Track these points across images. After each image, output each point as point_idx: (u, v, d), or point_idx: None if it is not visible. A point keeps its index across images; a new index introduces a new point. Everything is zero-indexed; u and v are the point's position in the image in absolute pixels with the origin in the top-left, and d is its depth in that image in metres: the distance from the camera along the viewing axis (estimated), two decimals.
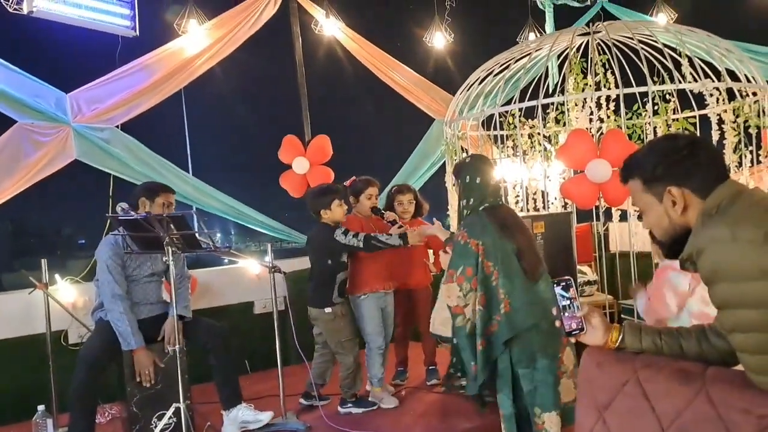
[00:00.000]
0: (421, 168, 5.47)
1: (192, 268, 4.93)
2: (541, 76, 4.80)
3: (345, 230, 3.51)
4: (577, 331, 1.76)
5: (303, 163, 4.95)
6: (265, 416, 3.43)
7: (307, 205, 3.71)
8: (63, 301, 4.10)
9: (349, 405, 3.65)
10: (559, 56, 5.26)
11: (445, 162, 5.12)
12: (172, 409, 3.09)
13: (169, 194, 3.38)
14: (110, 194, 4.37)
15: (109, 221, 3.71)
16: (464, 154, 4.78)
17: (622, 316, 4.42)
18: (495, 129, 4.75)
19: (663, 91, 4.29)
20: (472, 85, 4.50)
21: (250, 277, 4.90)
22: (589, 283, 5.22)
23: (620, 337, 1.75)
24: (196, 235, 2.99)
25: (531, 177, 4.78)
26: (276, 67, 6.10)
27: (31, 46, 4.80)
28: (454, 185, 3.10)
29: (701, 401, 1.52)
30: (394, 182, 5.33)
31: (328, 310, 3.57)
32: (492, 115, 4.60)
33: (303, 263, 5.30)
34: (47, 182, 4.36)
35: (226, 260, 4.54)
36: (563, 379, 2.81)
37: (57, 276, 4.31)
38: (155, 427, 3.22)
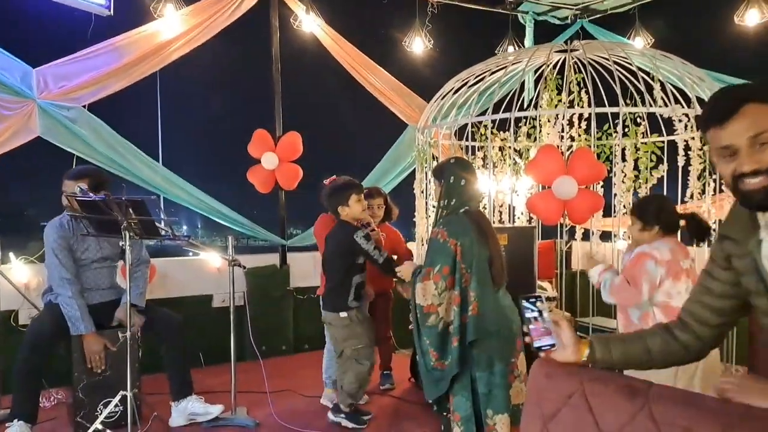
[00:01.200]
0: (391, 172, 5.45)
1: (154, 256, 4.85)
2: (516, 90, 4.85)
3: (368, 235, 3.30)
4: (548, 347, 1.77)
5: (272, 159, 4.90)
6: (215, 409, 3.38)
7: (324, 203, 3.52)
8: (15, 281, 4.00)
9: (342, 415, 3.44)
10: (535, 72, 5.31)
11: (415, 168, 5.12)
12: (118, 397, 3.02)
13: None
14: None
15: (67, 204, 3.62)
16: (434, 163, 4.78)
17: (578, 333, 4.45)
18: (467, 140, 4.78)
19: (634, 113, 4.37)
20: (446, 94, 4.51)
21: (211, 270, 4.84)
22: (548, 299, 5.27)
23: (588, 352, 1.74)
24: (156, 222, 2.93)
25: (498, 190, 4.80)
26: (252, 59, 6.04)
27: (1, 18, 4.67)
28: (435, 185, 3.09)
29: (644, 417, 1.53)
30: (364, 185, 5.31)
31: (343, 314, 3.32)
32: (465, 125, 4.62)
33: (266, 260, 5.28)
34: (11, 159, 4.25)
35: (191, 253, 4.45)
36: (515, 383, 2.92)
37: (11, 255, 4.19)
38: (100, 413, 3.15)
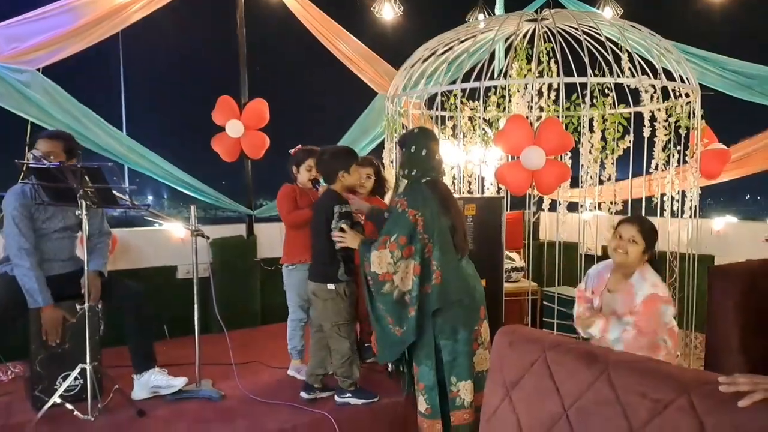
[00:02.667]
0: (360, 142, 5.38)
1: (117, 227, 4.74)
2: (485, 59, 4.80)
3: (345, 214, 3.14)
4: None
5: (237, 127, 4.79)
6: (179, 382, 3.33)
7: (320, 166, 3.34)
8: None
9: (348, 395, 3.29)
10: (506, 41, 5.26)
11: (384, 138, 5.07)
12: (77, 370, 2.95)
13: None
14: (26, 142, 4.10)
15: (23, 170, 3.49)
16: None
17: (544, 303, 4.51)
18: (437, 109, 4.73)
19: (602, 84, 4.37)
20: (415, 63, 4.44)
21: (175, 240, 4.75)
22: (516, 269, 5.31)
23: None
24: (113, 190, 2.83)
25: (468, 160, 4.78)
26: (217, 24, 5.86)
27: None
28: (398, 154, 3.07)
29: (602, 384, 1.54)
30: None
31: (330, 286, 3.19)
32: (435, 95, 4.57)
33: (233, 230, 5.20)
34: None
35: (156, 224, 4.33)
36: (479, 350, 2.97)
37: None
38: (59, 387, 3.07)
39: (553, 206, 5.17)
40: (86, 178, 2.69)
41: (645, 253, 2.73)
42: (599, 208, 4.96)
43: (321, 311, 3.26)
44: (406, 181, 2.97)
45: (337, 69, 5.31)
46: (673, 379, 1.43)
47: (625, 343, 2.58)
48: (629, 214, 2.94)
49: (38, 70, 4.21)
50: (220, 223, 5.32)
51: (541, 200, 5.42)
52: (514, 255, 5.44)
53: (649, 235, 2.74)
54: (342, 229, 3.07)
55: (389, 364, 3.52)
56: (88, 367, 2.84)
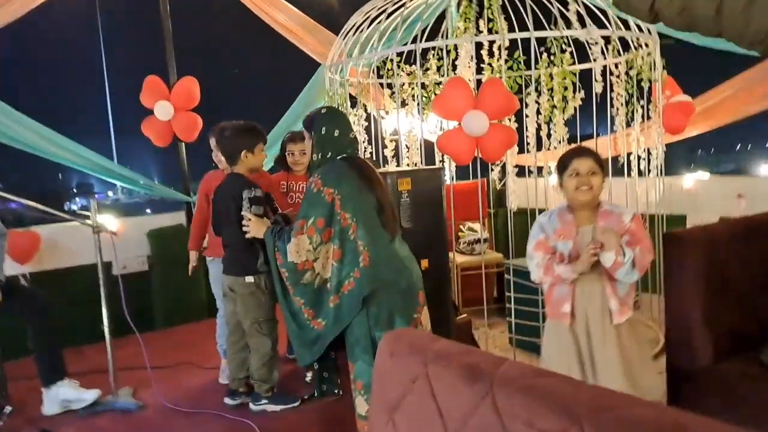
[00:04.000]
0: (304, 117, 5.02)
1: (40, 224, 4.40)
2: (429, 24, 4.45)
3: (255, 199, 2.84)
4: None
5: (166, 108, 4.43)
6: (90, 395, 3.04)
7: (221, 144, 3.04)
8: None
9: (264, 401, 3.02)
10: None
11: None
12: None
13: None
14: None
15: None
16: (349, 104, 4.40)
17: (506, 276, 4.21)
18: (379, 77, 4.38)
19: (559, 40, 4.02)
20: (348, 31, 4.07)
21: (105, 235, 4.41)
22: (479, 241, 5.01)
23: None
24: None
25: (409, 129, 4.45)
26: None
27: None
28: (307, 138, 2.73)
29: (487, 407, 1.23)
30: (274, 133, 4.89)
31: (249, 279, 2.91)
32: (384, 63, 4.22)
33: (172, 219, 4.87)
34: None
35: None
36: None
37: None
38: None
39: (521, 172, 4.86)
40: None
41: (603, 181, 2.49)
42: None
43: (240, 307, 2.96)
44: (318, 164, 2.66)
45: (275, 40, 4.93)
46: (565, 405, 1.13)
47: (639, 266, 2.34)
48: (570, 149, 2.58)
49: None
50: (157, 209, 4.98)
51: (504, 166, 5.10)
52: (476, 226, 5.14)
53: (602, 162, 2.48)
54: (248, 218, 2.77)
55: (307, 371, 3.24)
56: None
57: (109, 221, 3.71)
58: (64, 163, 4.27)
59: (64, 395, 3.01)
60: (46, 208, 2.87)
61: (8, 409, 2.78)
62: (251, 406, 3.04)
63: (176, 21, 4.59)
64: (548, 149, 4.16)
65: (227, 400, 3.08)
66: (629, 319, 2.44)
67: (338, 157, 2.62)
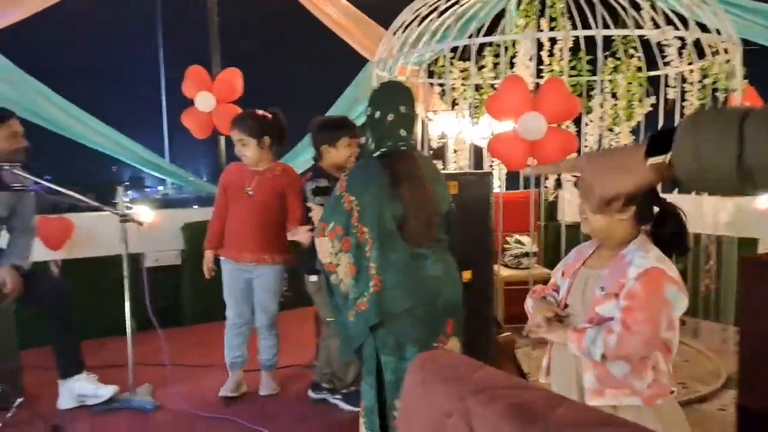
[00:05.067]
0: (349, 115, 4.81)
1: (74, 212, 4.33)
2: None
3: (318, 189, 2.82)
4: None
5: (208, 100, 4.31)
6: (106, 391, 2.89)
7: (311, 138, 3.03)
8: None
9: (338, 397, 2.98)
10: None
11: None
12: None
13: (11, 122, 2.75)
14: None
15: None
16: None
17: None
18: (430, 76, 4.16)
19: (626, 41, 3.72)
20: (398, 28, 3.85)
21: (138, 225, 4.30)
22: (526, 254, 4.71)
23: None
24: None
25: (458, 131, 4.20)
26: None
27: None
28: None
29: None
30: None
31: (312, 278, 2.87)
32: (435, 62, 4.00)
33: (206, 214, 4.73)
34: None
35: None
36: None
37: None
38: None
39: (578, 184, 4.54)
40: None
41: (625, 210, 1.70)
42: None
43: (317, 306, 3.01)
44: (360, 155, 2.42)
45: (323, 34, 4.76)
46: None
47: (617, 351, 1.64)
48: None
49: None
50: (186, 204, 4.88)
51: (559, 176, 4.79)
52: (524, 239, 4.85)
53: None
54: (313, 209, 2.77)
55: None
56: None
57: (144, 212, 3.59)
58: (105, 151, 4.22)
59: (80, 389, 2.88)
60: (70, 192, 2.74)
61: (18, 400, 2.64)
62: (330, 399, 3.01)
63: (224, 10, 4.48)
64: None
65: (310, 393, 3.06)
66: (643, 409, 1.69)
67: (375, 153, 2.29)
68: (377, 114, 2.29)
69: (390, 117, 2.28)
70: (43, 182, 2.60)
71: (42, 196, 2.93)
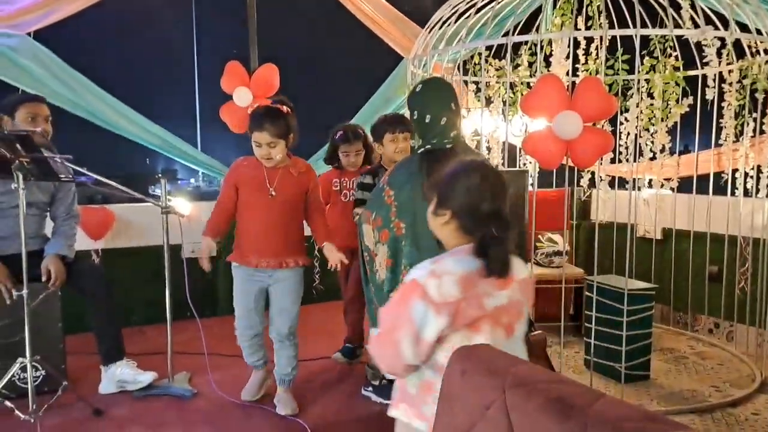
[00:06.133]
0: (383, 111, 4.81)
1: (116, 201, 4.46)
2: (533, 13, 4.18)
3: (362, 184, 3.08)
4: None
5: (245, 95, 4.37)
6: (146, 377, 2.98)
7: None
8: None
9: (369, 389, 3.00)
10: None
11: None
12: (16, 366, 2.61)
13: (36, 105, 2.84)
14: None
15: None
16: None
17: (586, 293, 3.89)
18: (465, 74, 4.16)
19: (664, 41, 3.68)
20: (434, 25, 3.87)
21: (176, 217, 4.41)
22: (558, 253, 4.69)
23: None
24: (50, 161, 2.45)
25: (492, 129, 4.20)
26: None
27: None
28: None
29: None
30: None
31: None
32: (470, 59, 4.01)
33: None
34: None
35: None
36: None
37: None
38: (17, 379, 2.78)
39: (614, 183, 4.53)
40: (18, 146, 2.32)
41: (439, 213, 1.58)
42: (650, 185, 4.26)
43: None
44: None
45: (358, 30, 4.79)
46: None
47: (371, 345, 1.56)
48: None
49: (29, 34, 3.93)
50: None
51: (593, 176, 4.77)
52: (556, 237, 4.83)
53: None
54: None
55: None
56: (28, 363, 2.51)
57: (182, 204, 3.69)
58: (142, 143, 4.32)
59: (121, 375, 2.97)
60: (115, 184, 2.82)
61: (64, 384, 2.74)
62: (362, 391, 3.05)
63: (261, 6, 4.55)
64: (650, 159, 3.81)
65: (364, 391, 3.06)
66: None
67: (420, 150, 2.35)
68: (415, 115, 2.34)
69: (427, 117, 2.32)
70: (90, 174, 2.69)
71: (87, 188, 3.03)
